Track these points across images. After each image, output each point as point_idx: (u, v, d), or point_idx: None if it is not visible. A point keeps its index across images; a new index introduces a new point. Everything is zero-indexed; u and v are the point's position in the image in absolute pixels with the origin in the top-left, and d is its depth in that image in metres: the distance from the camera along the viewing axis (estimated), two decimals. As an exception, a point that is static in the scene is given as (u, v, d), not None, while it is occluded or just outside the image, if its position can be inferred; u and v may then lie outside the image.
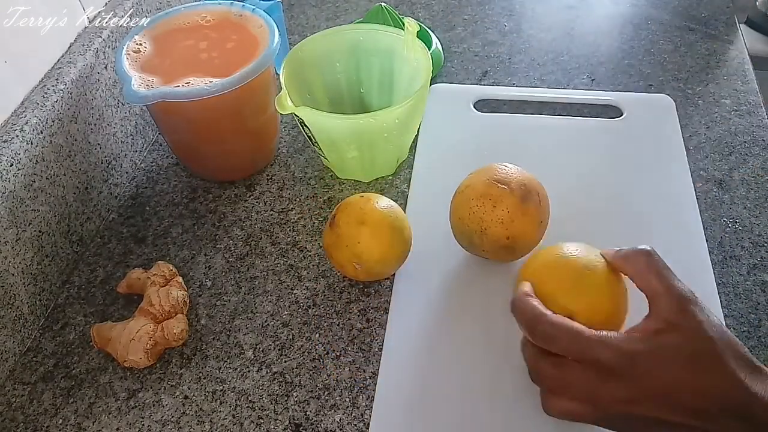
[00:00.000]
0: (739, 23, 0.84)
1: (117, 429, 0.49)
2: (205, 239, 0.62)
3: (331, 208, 0.63)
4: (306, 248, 0.60)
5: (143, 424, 0.49)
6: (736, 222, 0.60)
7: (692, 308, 0.38)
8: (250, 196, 0.65)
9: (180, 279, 0.56)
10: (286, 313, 0.55)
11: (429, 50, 0.68)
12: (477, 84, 0.76)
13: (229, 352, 0.53)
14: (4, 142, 0.51)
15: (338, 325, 0.54)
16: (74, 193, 0.59)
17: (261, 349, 0.53)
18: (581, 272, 0.44)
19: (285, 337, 0.54)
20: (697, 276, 0.55)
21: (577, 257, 0.45)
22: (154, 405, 0.50)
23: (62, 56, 0.59)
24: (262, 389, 0.50)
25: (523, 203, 0.50)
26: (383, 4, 0.75)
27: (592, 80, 0.76)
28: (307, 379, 0.51)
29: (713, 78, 0.75)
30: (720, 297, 0.54)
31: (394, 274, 0.57)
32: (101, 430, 0.49)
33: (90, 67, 0.60)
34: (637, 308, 0.42)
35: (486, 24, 0.85)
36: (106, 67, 0.62)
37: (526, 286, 0.44)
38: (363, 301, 0.56)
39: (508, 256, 0.53)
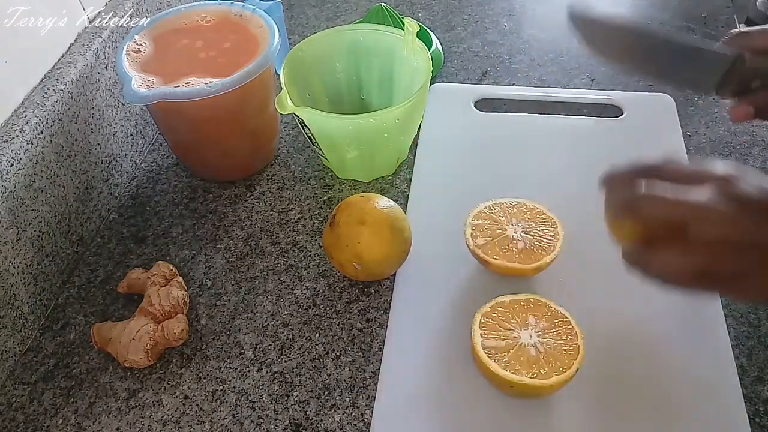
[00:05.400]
0: (738, 23, 0.84)
1: (117, 429, 0.49)
2: (205, 239, 0.62)
3: (331, 208, 0.63)
4: (306, 248, 0.60)
5: (143, 424, 0.49)
6: (736, 222, 0.60)
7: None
8: (250, 196, 0.65)
9: (180, 279, 0.56)
10: (286, 313, 0.55)
11: (429, 50, 0.68)
12: (477, 84, 0.76)
13: (229, 352, 0.53)
14: (4, 142, 0.51)
15: (338, 325, 0.54)
16: (74, 193, 0.59)
17: (261, 349, 0.53)
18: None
19: (285, 337, 0.54)
20: (697, 276, 0.55)
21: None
22: (154, 405, 0.50)
23: (62, 56, 0.59)
24: (262, 389, 0.50)
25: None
26: (383, 4, 0.75)
27: (592, 80, 0.76)
28: (307, 379, 0.51)
29: (713, 78, 0.75)
30: (720, 297, 0.53)
31: (394, 274, 0.57)
32: (101, 430, 0.49)
33: (90, 67, 0.60)
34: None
35: (486, 24, 0.85)
36: (106, 67, 0.63)
37: None
38: (363, 301, 0.56)
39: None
